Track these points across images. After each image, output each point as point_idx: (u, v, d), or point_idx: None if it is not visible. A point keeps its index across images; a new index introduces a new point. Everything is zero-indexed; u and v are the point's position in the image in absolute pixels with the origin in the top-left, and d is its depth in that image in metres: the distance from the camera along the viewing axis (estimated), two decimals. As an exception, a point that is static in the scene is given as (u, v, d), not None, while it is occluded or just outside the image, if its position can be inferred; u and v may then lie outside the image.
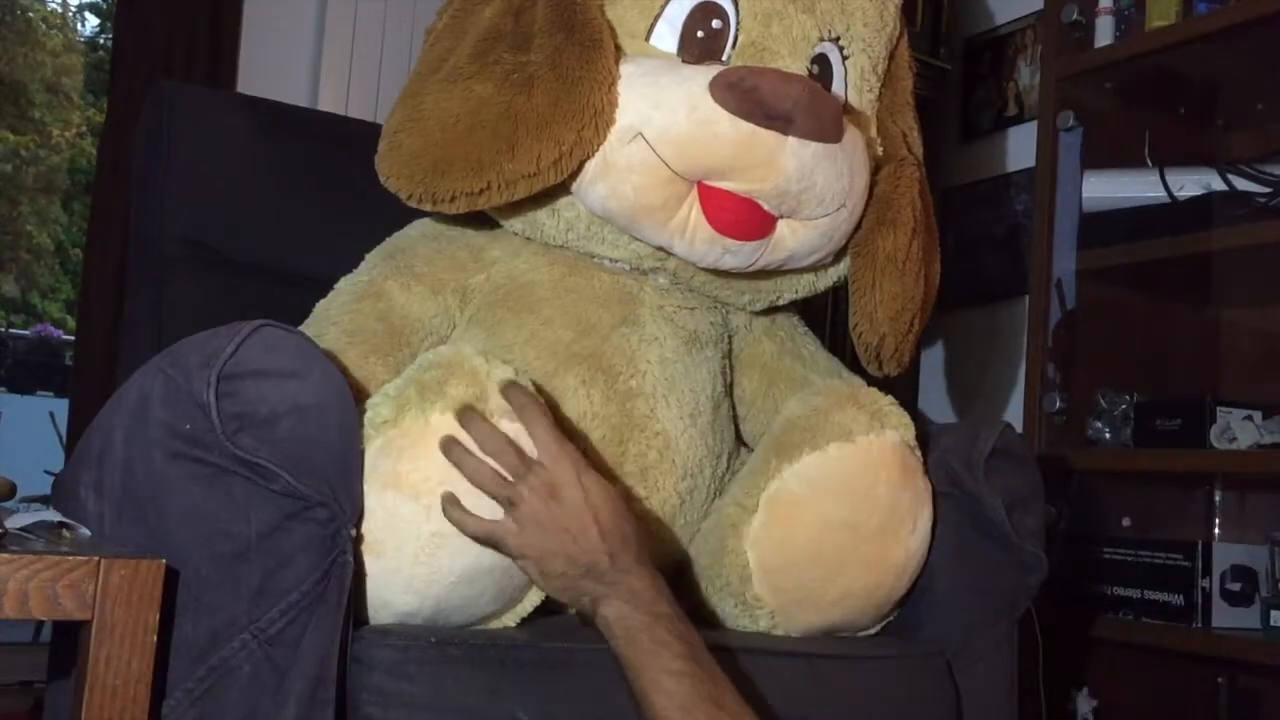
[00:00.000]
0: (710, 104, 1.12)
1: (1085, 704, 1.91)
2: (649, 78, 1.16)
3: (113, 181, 2.41)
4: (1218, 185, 1.88)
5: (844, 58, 1.30)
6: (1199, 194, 1.89)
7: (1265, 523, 1.93)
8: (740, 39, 1.22)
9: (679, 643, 0.97)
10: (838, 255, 1.30)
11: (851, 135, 1.22)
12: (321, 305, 1.22)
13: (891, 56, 1.37)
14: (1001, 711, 1.31)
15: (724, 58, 1.22)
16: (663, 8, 1.22)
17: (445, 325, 1.23)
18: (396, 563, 1.00)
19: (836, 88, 1.29)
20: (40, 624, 2.42)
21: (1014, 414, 2.11)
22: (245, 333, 0.93)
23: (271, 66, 2.62)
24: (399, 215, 1.24)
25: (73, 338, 3.61)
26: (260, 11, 2.62)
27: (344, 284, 1.24)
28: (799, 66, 1.24)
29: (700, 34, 1.22)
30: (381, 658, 0.98)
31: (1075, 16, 2.03)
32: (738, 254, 1.21)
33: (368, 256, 1.27)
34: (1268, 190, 1.84)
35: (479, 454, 1.00)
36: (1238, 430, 1.77)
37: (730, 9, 1.22)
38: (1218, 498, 2.07)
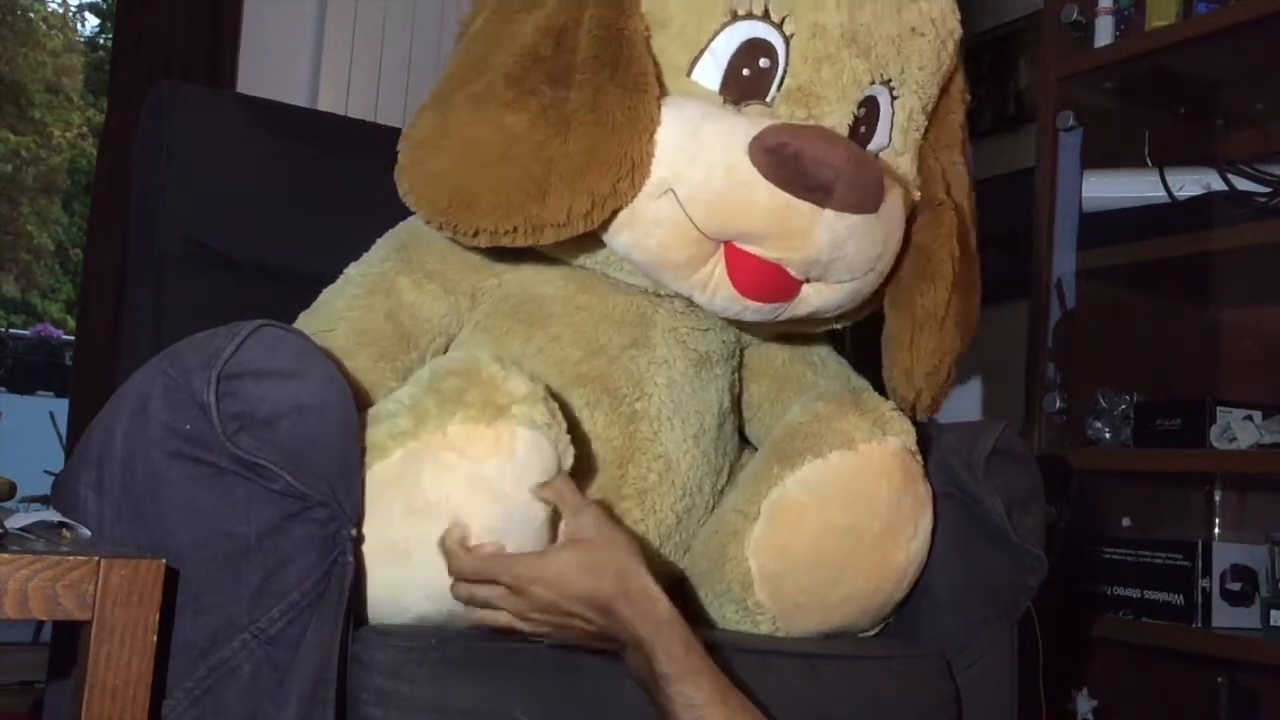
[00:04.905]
0: (748, 167, 1.07)
1: (1085, 704, 1.91)
2: (689, 126, 1.10)
3: (113, 181, 2.41)
4: (1218, 185, 1.89)
5: (893, 98, 1.22)
6: (1199, 194, 1.89)
7: (1265, 523, 1.93)
8: (787, 82, 1.14)
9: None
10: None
11: (890, 200, 1.16)
12: (330, 293, 1.20)
13: (944, 91, 1.29)
14: (1001, 711, 1.31)
15: (768, 99, 1.15)
16: (710, 40, 1.14)
17: (455, 325, 1.21)
18: (423, 572, 1.01)
19: (881, 128, 1.22)
20: (40, 624, 2.42)
21: (1014, 414, 2.11)
22: (245, 333, 0.93)
23: (271, 66, 2.62)
24: (399, 215, 1.23)
25: (73, 338, 3.61)
26: (260, 11, 2.62)
27: (354, 272, 1.21)
28: (845, 111, 1.17)
29: (746, 72, 1.14)
30: (382, 659, 0.98)
31: (1075, 16, 2.03)
32: (759, 312, 1.17)
33: (378, 242, 1.24)
34: (1268, 190, 1.84)
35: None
36: (1238, 430, 1.77)
37: (781, 48, 1.14)
38: (1218, 498, 2.07)
